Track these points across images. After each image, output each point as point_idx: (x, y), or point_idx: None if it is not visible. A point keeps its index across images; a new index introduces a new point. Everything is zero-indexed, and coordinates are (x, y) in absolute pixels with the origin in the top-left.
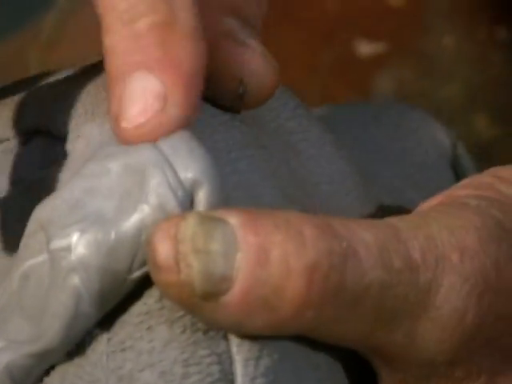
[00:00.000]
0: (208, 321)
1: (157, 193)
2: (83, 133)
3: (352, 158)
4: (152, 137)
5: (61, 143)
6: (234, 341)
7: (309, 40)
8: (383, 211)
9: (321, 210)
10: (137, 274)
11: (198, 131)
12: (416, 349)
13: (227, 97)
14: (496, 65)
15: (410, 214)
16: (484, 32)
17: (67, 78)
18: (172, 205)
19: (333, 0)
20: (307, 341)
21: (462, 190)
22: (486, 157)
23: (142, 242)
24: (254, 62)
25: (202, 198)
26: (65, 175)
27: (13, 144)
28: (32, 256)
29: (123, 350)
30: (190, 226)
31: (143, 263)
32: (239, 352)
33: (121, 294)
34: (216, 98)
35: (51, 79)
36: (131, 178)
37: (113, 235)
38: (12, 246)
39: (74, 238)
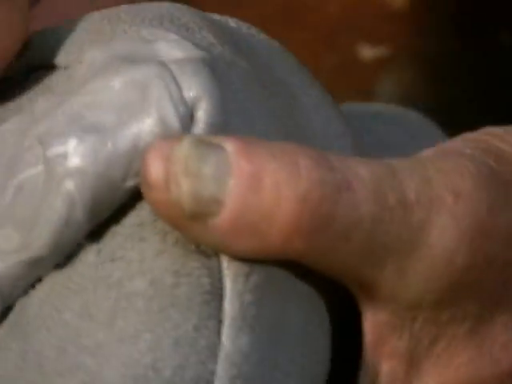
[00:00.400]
0: (196, 241)
1: (158, 106)
2: (85, 58)
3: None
4: None
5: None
6: (225, 256)
7: (311, 43)
8: None
9: None
10: (130, 182)
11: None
12: (404, 287)
13: None
14: (499, 68)
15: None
16: (487, 35)
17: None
18: (172, 119)
19: (335, 4)
20: (296, 270)
21: (457, 142)
22: None
23: (138, 153)
24: None
25: (201, 116)
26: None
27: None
28: (27, 168)
29: (113, 260)
30: (184, 149)
31: (138, 173)
32: (229, 267)
33: (114, 203)
34: None
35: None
36: (134, 91)
37: (110, 144)
38: None
39: (71, 145)
